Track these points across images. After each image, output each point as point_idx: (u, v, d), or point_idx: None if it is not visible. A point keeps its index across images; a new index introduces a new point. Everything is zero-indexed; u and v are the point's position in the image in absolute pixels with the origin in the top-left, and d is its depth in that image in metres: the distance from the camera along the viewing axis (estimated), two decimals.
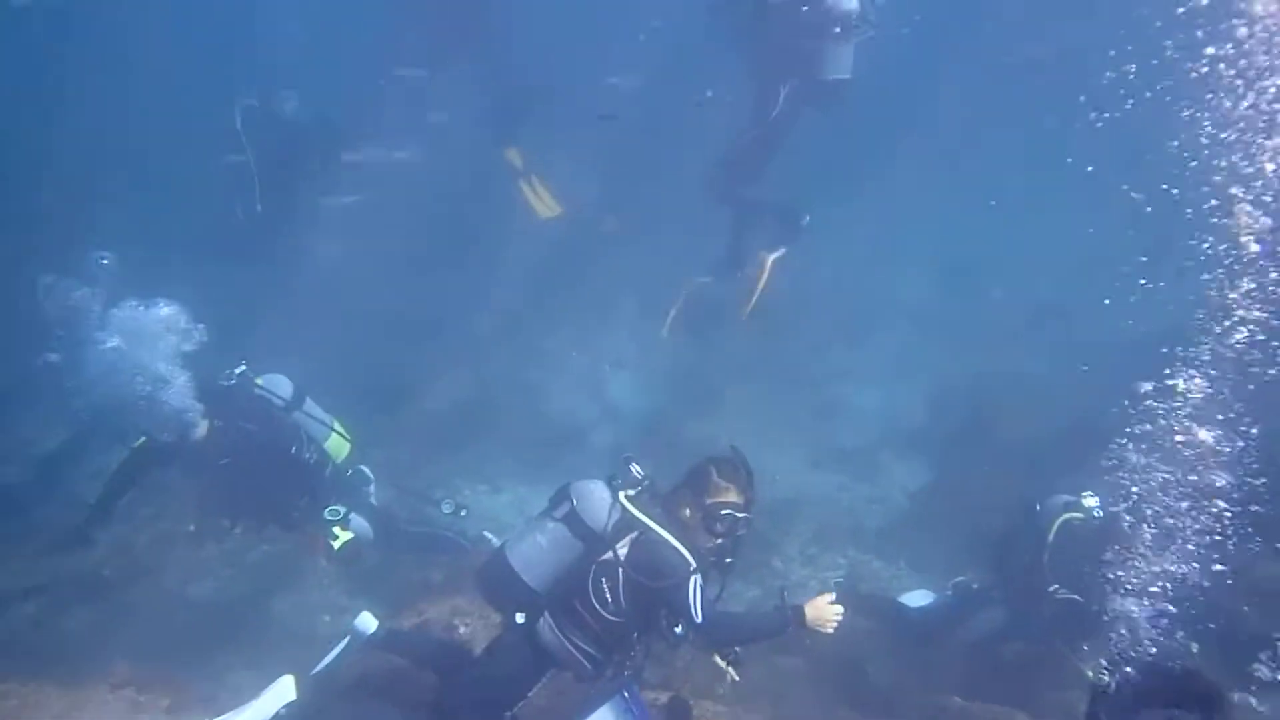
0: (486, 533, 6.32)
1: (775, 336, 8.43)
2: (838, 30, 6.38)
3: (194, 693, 4.26)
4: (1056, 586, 5.12)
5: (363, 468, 6.31)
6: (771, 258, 7.62)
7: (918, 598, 6.02)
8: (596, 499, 4.10)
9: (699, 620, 3.85)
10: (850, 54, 6.51)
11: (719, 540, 4.01)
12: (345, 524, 5.57)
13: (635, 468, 4.16)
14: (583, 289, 10.35)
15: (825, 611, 3.92)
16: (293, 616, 6.50)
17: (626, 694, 4.13)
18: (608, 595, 3.98)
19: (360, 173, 9.52)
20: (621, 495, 4.09)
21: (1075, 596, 5.02)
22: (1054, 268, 11.34)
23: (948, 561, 6.97)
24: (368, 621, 4.69)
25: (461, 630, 5.09)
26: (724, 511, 3.98)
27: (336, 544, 5.50)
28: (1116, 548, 4.80)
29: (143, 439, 5.46)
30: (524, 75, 9.45)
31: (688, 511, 4.03)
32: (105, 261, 5.75)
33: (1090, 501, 5.27)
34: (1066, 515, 5.25)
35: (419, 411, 8.39)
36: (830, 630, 3.95)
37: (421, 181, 10.67)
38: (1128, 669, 3.49)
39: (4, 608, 6.05)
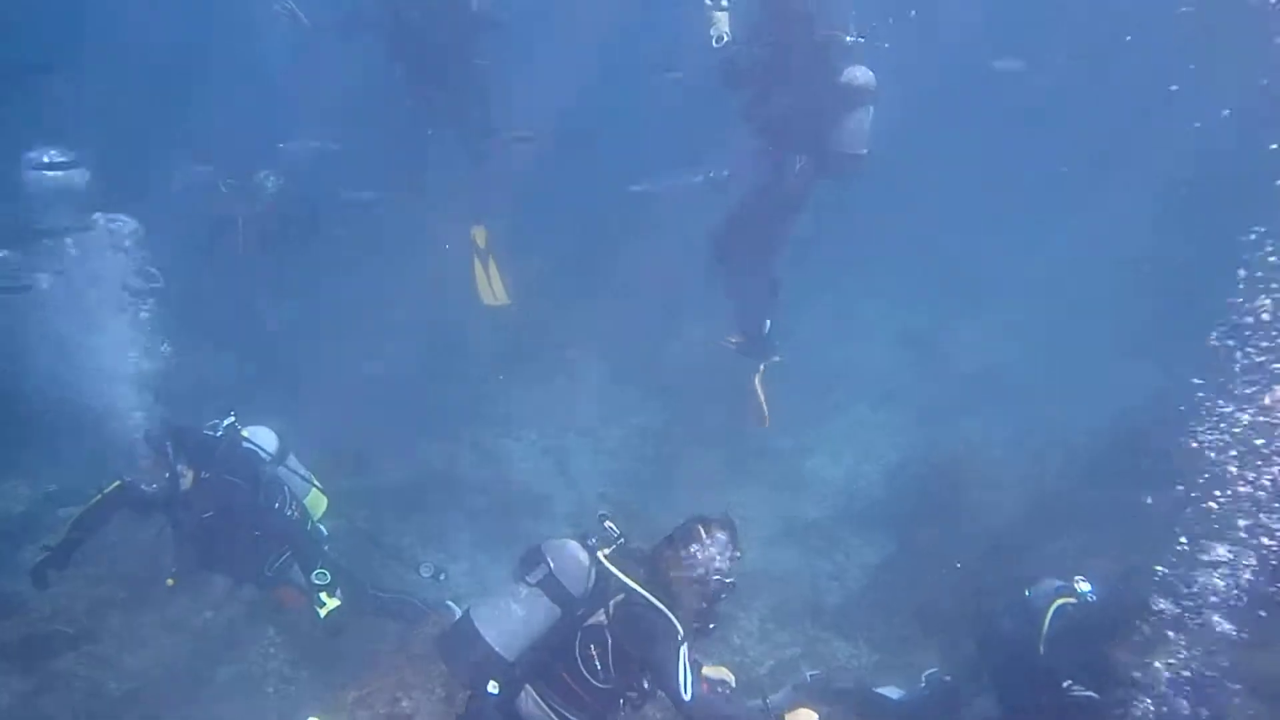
0: (449, 602, 6.18)
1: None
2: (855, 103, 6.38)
3: None
4: (1070, 683, 4.71)
5: (319, 525, 6.23)
6: (757, 378, 7.72)
7: (890, 692, 5.82)
8: (574, 560, 3.96)
9: (687, 699, 3.73)
10: (867, 127, 6.52)
11: (704, 605, 3.92)
12: (332, 591, 5.40)
13: (609, 524, 4.06)
14: (548, 357, 10.39)
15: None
16: (236, 686, 6.30)
17: None
18: (597, 663, 3.85)
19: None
20: (600, 554, 3.96)
21: (1092, 694, 4.63)
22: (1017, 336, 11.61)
23: (904, 641, 6.94)
24: None
25: (404, 704, 4.94)
26: (714, 578, 3.90)
27: (323, 611, 5.34)
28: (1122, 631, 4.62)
29: (117, 483, 5.35)
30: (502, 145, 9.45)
31: (673, 573, 3.92)
32: (49, 161, 5.45)
33: (1083, 585, 4.98)
34: (1060, 600, 4.94)
35: (378, 479, 8.27)
36: None
37: (392, 247, 10.78)
38: None
39: None
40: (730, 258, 7.30)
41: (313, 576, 5.40)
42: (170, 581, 5.53)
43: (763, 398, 7.85)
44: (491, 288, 9.28)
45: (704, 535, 3.95)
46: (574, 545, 4.01)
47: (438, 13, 8.25)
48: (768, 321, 7.51)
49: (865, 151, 6.55)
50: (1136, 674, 4.53)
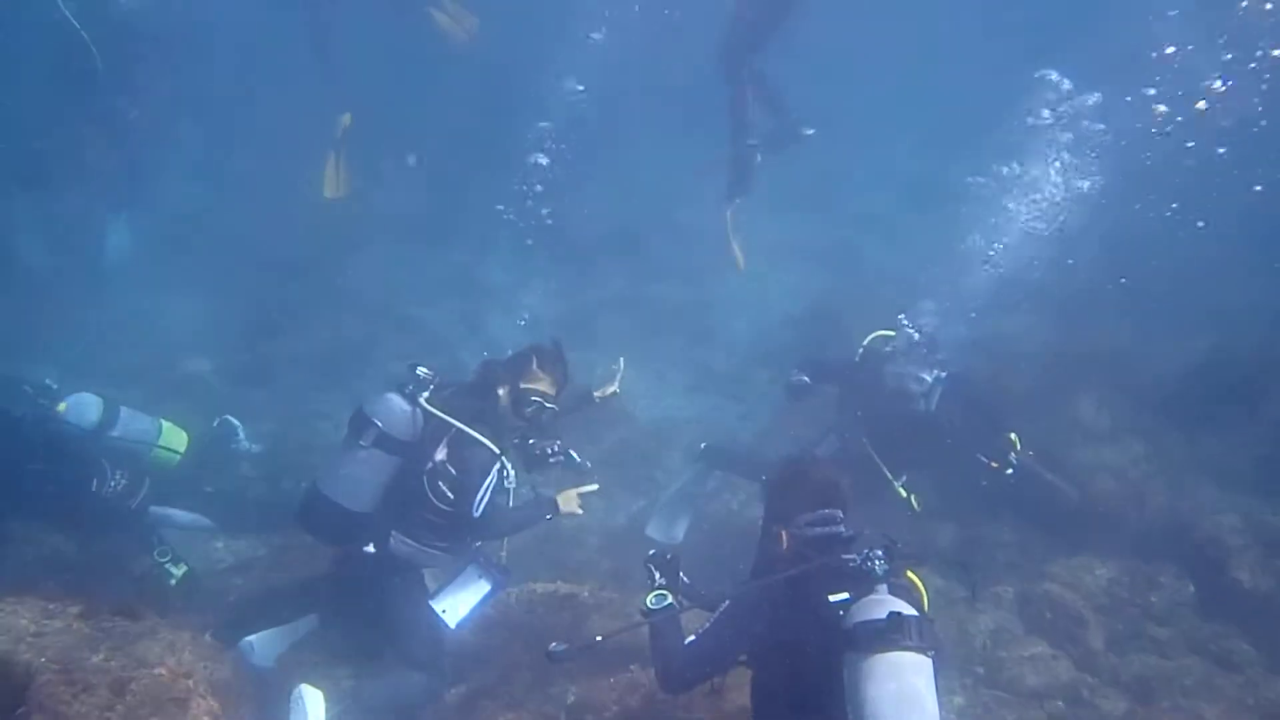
0: None
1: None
2: None
3: (106, 599, 4.15)
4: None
5: (229, 418, 6.30)
6: (730, 211, 7.88)
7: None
8: (399, 413, 4.20)
9: (475, 515, 4.17)
10: None
11: (523, 423, 4.37)
12: (176, 560, 5.31)
13: (422, 370, 4.30)
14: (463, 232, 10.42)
15: (573, 500, 4.45)
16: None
17: (481, 559, 4.46)
18: (448, 493, 4.19)
19: None
20: (422, 400, 4.21)
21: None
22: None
23: None
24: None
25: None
26: (533, 398, 4.33)
27: (174, 582, 5.27)
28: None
29: None
30: None
31: (502, 391, 4.34)
32: None
33: (902, 322, 5.86)
34: (873, 335, 5.94)
35: (298, 348, 8.32)
36: (580, 512, 4.49)
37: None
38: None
39: None
40: (736, 71, 7.21)
41: (154, 555, 5.28)
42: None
43: (730, 233, 7.97)
44: (338, 180, 9.12)
45: (534, 363, 4.36)
46: (395, 398, 4.23)
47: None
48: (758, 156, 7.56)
49: None
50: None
